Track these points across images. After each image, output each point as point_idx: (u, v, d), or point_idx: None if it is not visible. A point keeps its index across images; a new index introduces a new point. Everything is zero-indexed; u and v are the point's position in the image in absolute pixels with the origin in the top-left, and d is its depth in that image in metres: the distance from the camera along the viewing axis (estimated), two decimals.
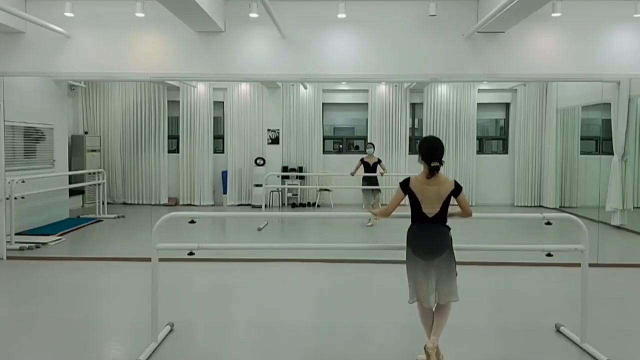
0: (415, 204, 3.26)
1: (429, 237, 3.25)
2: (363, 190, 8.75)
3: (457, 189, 3.24)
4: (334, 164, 11.05)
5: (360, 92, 11.33)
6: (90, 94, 10.99)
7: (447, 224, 3.32)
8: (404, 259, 3.36)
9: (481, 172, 11.13)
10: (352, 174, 8.70)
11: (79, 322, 4.16)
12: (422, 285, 3.23)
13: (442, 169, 3.22)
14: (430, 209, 3.22)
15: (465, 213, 3.36)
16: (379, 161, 8.65)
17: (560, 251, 3.70)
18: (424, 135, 11.10)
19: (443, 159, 3.20)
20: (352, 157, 10.04)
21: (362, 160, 8.69)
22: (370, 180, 8.58)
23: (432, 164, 3.17)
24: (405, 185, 3.27)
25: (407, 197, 3.30)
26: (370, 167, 8.61)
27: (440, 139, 3.39)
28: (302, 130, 11.15)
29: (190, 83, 10.66)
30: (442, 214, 3.25)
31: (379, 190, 8.61)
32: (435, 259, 3.22)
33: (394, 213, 3.39)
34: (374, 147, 9.06)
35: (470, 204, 11.25)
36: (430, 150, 3.20)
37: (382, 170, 8.57)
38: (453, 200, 3.31)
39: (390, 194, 10.11)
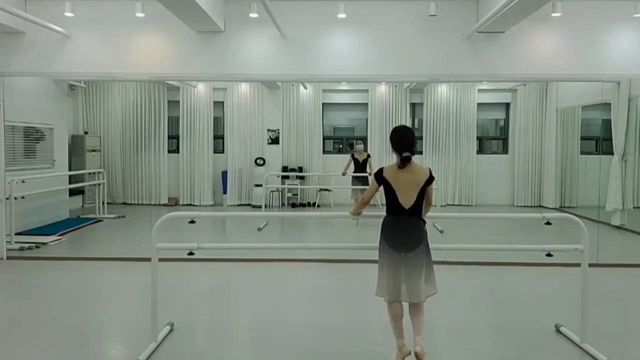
0: (390, 194, 3.21)
1: (405, 229, 3.19)
2: (353, 182, 8.89)
3: (430, 179, 3.22)
4: (334, 164, 11.03)
5: (360, 92, 11.33)
6: (90, 94, 10.98)
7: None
8: None
9: (481, 172, 11.12)
10: (344, 174, 8.88)
11: (79, 322, 4.16)
12: (394, 279, 3.16)
13: (416, 159, 3.24)
14: (406, 199, 3.18)
15: (427, 204, 3.31)
16: (368, 156, 8.86)
17: (560, 251, 3.69)
18: (423, 135, 11.10)
19: (415, 149, 3.20)
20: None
21: (352, 156, 8.91)
22: (360, 181, 8.69)
23: (403, 154, 3.16)
24: (379, 175, 3.24)
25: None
26: (359, 163, 8.79)
27: (411, 128, 3.40)
28: (302, 130, 11.14)
29: (190, 83, 10.66)
30: (418, 206, 3.21)
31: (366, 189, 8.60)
32: (411, 252, 3.15)
33: (369, 213, 3.43)
34: (363, 143, 9.30)
35: (470, 203, 11.12)
36: (401, 140, 3.19)
37: (369, 170, 8.69)
38: None
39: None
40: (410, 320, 3.26)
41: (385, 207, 3.33)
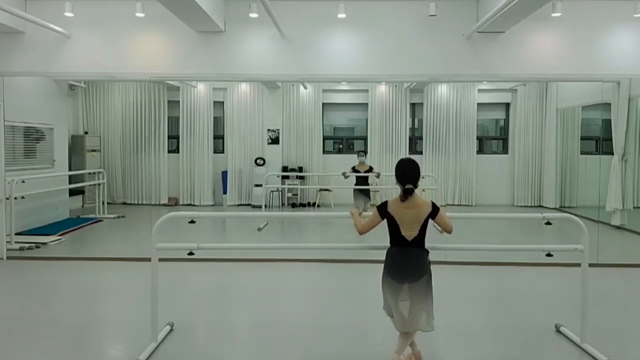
0: (393, 227, 3.23)
1: (408, 261, 3.21)
2: (355, 193, 8.45)
3: (434, 211, 3.21)
4: (334, 164, 11.04)
5: (360, 92, 11.33)
6: (90, 94, 10.99)
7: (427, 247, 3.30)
8: None
9: (481, 172, 11.12)
10: (344, 175, 8.48)
11: (79, 322, 4.16)
12: (397, 310, 3.18)
13: (418, 192, 3.22)
14: (409, 232, 3.19)
15: (446, 231, 3.31)
16: (371, 169, 8.44)
17: (560, 251, 3.69)
18: (423, 135, 11.11)
19: (418, 183, 3.20)
20: (352, 157, 10.02)
21: (353, 168, 8.47)
22: (362, 191, 8.35)
23: (406, 186, 3.17)
24: (382, 209, 3.24)
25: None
26: (361, 175, 8.37)
27: (416, 162, 3.34)
28: (302, 130, 11.14)
29: (190, 83, 10.66)
30: (421, 237, 3.22)
31: (369, 198, 8.45)
32: (413, 283, 3.16)
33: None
34: (365, 154, 8.81)
35: (470, 203, 11.05)
36: (404, 173, 3.21)
37: (376, 176, 8.42)
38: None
39: (388, 194, 10.12)
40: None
41: (389, 240, 3.32)
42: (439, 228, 3.35)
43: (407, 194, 3.17)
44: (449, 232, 3.32)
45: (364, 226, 3.33)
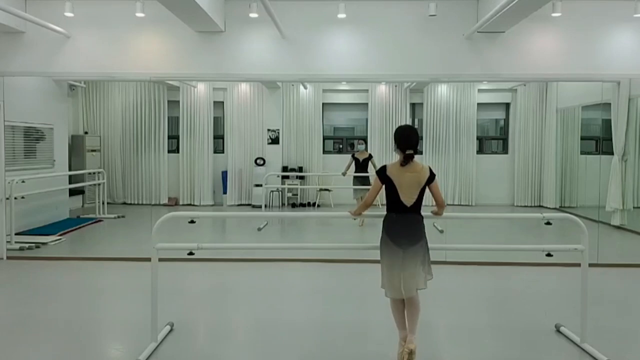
0: (392, 193, 3.26)
1: (407, 225, 3.26)
2: (354, 181, 8.82)
3: (431, 176, 3.28)
4: (334, 164, 11.03)
5: (360, 92, 11.33)
6: (90, 94, 10.98)
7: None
8: None
9: (481, 172, 11.12)
10: (344, 174, 8.82)
11: (79, 322, 4.16)
12: (396, 275, 3.22)
13: (417, 158, 3.29)
14: (408, 198, 3.24)
15: (439, 205, 3.38)
16: (370, 157, 8.74)
17: (560, 251, 3.69)
18: (423, 135, 11.08)
19: (418, 148, 3.27)
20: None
21: (352, 156, 8.82)
22: (361, 181, 8.61)
23: (406, 152, 3.22)
24: (382, 172, 3.28)
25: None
26: (360, 163, 8.69)
27: (415, 128, 3.48)
28: (302, 130, 11.15)
29: (190, 83, 10.66)
30: (419, 203, 3.28)
31: (369, 185, 8.59)
32: (411, 247, 3.22)
33: (369, 213, 3.49)
34: (365, 143, 9.24)
35: (470, 203, 11.09)
36: (405, 138, 3.26)
37: (371, 170, 8.63)
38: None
39: None
40: (406, 317, 3.32)
41: (385, 207, 3.36)
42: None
43: (408, 160, 3.22)
44: (442, 205, 3.39)
45: (369, 196, 3.37)
